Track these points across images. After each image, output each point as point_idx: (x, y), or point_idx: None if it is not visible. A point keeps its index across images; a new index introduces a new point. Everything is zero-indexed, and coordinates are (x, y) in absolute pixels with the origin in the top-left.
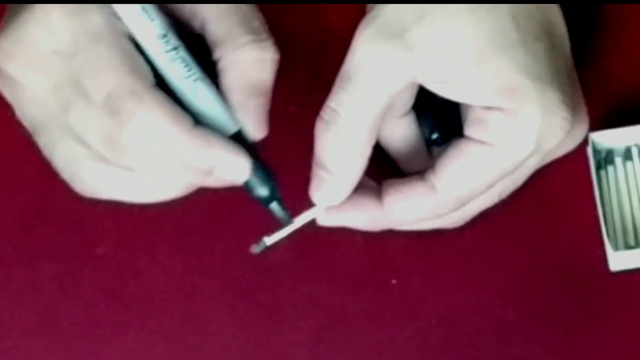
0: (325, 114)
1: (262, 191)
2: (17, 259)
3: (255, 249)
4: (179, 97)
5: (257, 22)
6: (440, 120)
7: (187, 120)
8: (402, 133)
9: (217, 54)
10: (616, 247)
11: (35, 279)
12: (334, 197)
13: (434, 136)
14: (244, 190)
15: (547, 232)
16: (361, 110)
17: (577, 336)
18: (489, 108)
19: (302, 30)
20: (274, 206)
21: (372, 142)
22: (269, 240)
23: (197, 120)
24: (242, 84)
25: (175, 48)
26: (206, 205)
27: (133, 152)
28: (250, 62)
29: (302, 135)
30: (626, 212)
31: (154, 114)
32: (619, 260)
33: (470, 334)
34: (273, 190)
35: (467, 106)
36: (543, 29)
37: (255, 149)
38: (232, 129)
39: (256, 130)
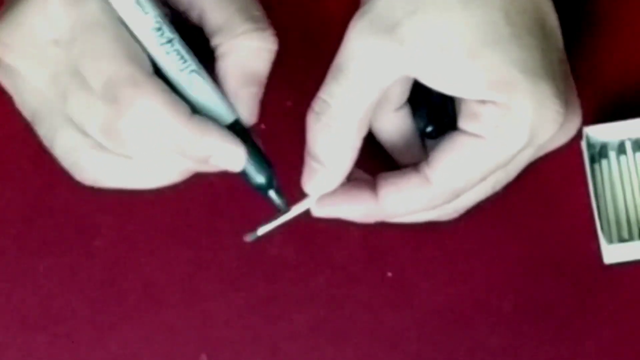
0: (316, 105)
1: (259, 179)
2: (15, 252)
3: (249, 237)
4: (176, 89)
5: (257, 11)
6: (434, 113)
7: (185, 109)
8: (397, 126)
9: (215, 41)
10: (610, 240)
11: (33, 271)
12: (325, 187)
13: (429, 129)
14: (241, 183)
15: (541, 225)
16: (351, 102)
17: (571, 328)
18: (482, 101)
19: (299, 24)
20: (272, 194)
21: (362, 134)
22: (262, 229)
23: (195, 110)
24: (238, 71)
25: (169, 41)
26: (203, 198)
27: (131, 140)
28: (248, 51)
29: (298, 130)
30: (620, 205)
31: (152, 101)
32: (612, 253)
33: (465, 326)
34: (270, 178)
35: (461, 99)
36: (535, 23)
37: (252, 138)
38: (229, 118)
39: (247, 118)
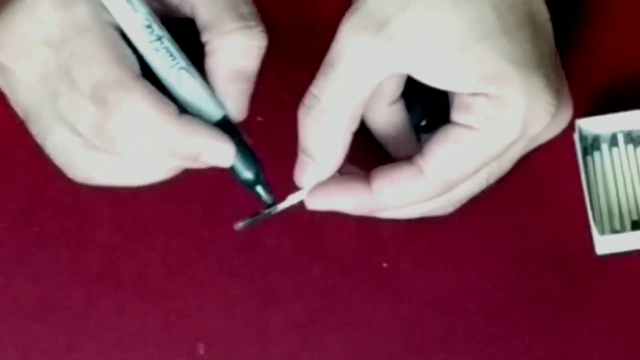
0: (307, 99)
1: (247, 174)
2: (15, 244)
3: (239, 225)
4: (165, 86)
5: (247, 8)
6: (428, 107)
7: (172, 109)
8: (391, 120)
9: (204, 37)
10: (602, 232)
11: (33, 263)
12: (315, 181)
13: (423, 123)
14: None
15: (534, 216)
16: (341, 98)
17: (563, 318)
18: (475, 94)
19: (295, 18)
20: (259, 189)
21: (352, 129)
22: (251, 218)
23: (183, 108)
24: (226, 69)
25: (159, 38)
26: (200, 189)
27: (121, 140)
28: (236, 49)
29: (295, 123)
30: (612, 197)
31: (139, 103)
32: (604, 244)
33: (459, 316)
34: (258, 173)
35: (454, 92)
36: (526, 17)
37: (240, 134)
38: (217, 115)
39: (235, 114)
